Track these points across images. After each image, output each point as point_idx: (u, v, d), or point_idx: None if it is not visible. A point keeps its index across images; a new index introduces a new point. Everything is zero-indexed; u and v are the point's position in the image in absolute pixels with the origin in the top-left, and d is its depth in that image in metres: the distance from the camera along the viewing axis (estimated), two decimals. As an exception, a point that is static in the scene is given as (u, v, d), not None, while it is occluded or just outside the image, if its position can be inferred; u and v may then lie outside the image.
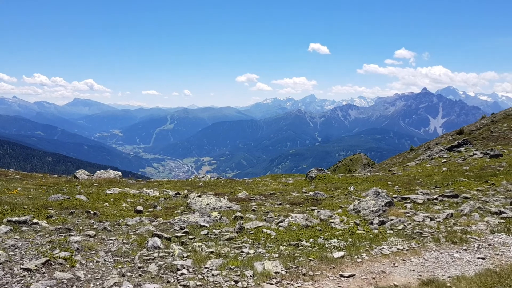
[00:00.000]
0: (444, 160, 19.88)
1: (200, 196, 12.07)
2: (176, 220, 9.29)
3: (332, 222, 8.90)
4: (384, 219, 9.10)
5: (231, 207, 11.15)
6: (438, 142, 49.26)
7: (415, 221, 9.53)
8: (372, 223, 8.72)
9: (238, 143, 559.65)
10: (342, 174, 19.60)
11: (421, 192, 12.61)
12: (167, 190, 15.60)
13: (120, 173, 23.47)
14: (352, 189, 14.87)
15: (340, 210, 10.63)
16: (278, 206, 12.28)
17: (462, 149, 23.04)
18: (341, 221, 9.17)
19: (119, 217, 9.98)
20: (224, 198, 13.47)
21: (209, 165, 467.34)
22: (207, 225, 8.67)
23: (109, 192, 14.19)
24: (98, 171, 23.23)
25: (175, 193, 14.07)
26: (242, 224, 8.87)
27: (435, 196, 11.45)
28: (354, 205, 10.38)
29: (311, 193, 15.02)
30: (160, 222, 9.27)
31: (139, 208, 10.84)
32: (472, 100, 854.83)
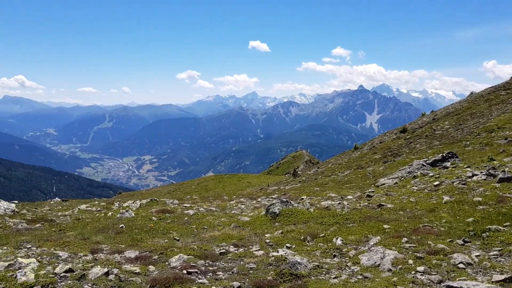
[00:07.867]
0: (436, 182, 15.60)
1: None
2: None
3: None
4: None
5: None
6: (382, 140, 46.64)
7: None
8: None
9: (180, 141, 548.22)
10: (309, 204, 14.96)
11: (462, 262, 6.75)
12: (59, 254, 9.39)
13: (13, 205, 17.10)
14: (339, 242, 10.17)
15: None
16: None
17: (448, 164, 19.15)
18: None
19: None
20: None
21: (151, 164, 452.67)
22: None
23: None
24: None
25: (65, 271, 7.79)
26: None
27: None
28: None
29: (280, 251, 9.96)
30: None
31: None
32: (405, 96, 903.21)
